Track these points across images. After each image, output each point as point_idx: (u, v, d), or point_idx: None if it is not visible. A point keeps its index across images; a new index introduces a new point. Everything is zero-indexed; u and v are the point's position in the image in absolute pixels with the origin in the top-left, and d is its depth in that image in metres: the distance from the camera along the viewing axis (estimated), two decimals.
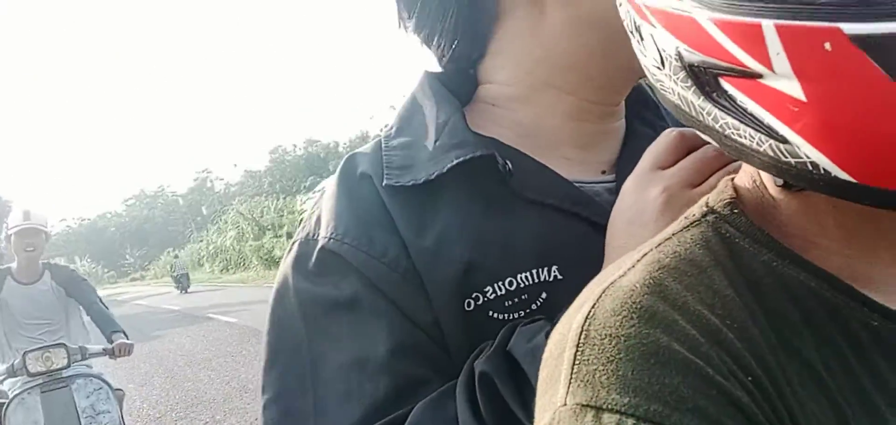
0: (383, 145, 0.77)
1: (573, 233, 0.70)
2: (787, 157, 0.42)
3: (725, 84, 0.43)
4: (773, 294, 0.46)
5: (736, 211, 0.49)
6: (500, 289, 0.68)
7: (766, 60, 0.40)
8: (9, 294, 4.05)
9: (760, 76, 0.41)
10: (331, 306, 0.70)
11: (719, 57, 0.42)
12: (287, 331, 0.73)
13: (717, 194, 0.52)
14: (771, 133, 0.42)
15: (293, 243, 0.77)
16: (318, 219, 0.75)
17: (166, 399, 7.36)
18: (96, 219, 75.29)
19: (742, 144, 0.44)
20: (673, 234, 0.50)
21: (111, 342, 4.01)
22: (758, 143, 0.43)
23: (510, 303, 0.68)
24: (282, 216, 27.09)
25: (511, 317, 0.68)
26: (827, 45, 0.37)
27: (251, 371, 8.07)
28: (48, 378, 3.67)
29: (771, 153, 0.42)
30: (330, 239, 0.72)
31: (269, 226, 27.70)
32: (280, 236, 26.71)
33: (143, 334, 12.21)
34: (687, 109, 0.47)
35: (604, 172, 0.77)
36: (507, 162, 0.70)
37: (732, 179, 0.53)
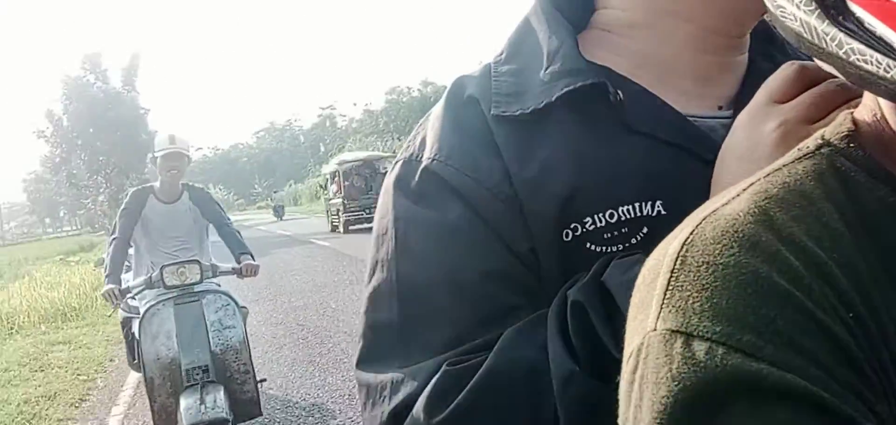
0: (492, 70, 0.76)
1: (682, 168, 0.67)
2: None
3: (853, 5, 0.41)
4: (889, 232, 0.43)
5: (853, 144, 0.47)
6: (600, 221, 0.67)
7: None
8: (151, 211, 4.39)
9: None
10: (427, 226, 0.71)
11: None
12: (381, 247, 0.75)
13: (834, 127, 0.49)
14: None
15: (396, 162, 0.77)
16: (423, 140, 0.75)
17: (263, 291, 10.99)
18: (229, 150, 79.38)
19: (868, 72, 0.41)
20: (784, 165, 0.47)
21: (239, 262, 4.27)
22: (886, 69, 0.40)
23: (610, 235, 0.67)
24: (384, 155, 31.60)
25: (609, 250, 0.66)
26: None
27: (325, 277, 12.27)
28: (181, 291, 3.96)
29: None
30: (434, 160, 0.72)
31: None
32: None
33: (260, 251, 15.74)
34: (809, 36, 0.44)
35: (721, 108, 0.74)
36: (619, 91, 0.68)
37: (852, 113, 0.50)
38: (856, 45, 0.41)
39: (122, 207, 4.44)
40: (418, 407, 0.67)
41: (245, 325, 4.15)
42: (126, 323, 5.19)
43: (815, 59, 0.46)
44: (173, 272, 3.94)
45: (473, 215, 0.69)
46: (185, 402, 3.61)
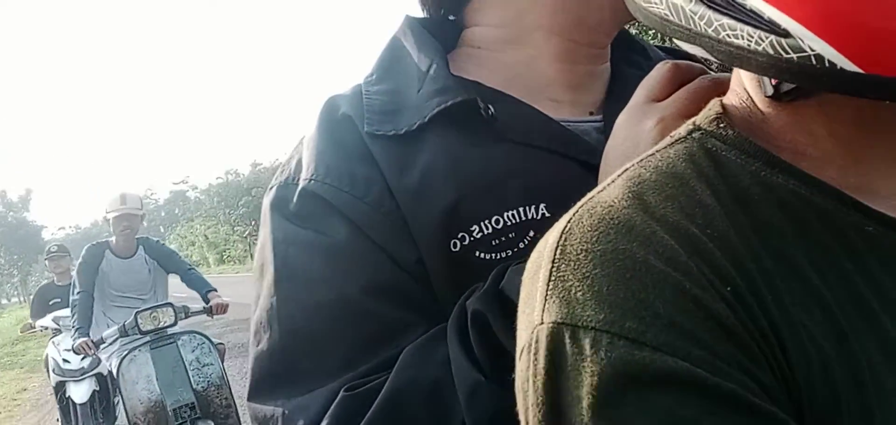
0: (364, 89, 0.75)
1: (561, 171, 0.68)
2: (788, 53, 0.39)
3: None
4: (762, 203, 0.44)
5: (722, 125, 0.47)
6: (487, 228, 0.66)
7: None
8: (107, 266, 4.42)
9: None
10: (309, 247, 0.69)
11: None
12: (263, 276, 0.72)
13: (704, 113, 0.50)
14: (772, 28, 0.39)
15: (271, 187, 0.75)
16: (299, 162, 0.73)
17: None
18: (90, 227, 75.75)
19: (738, 47, 0.41)
20: (657, 151, 0.48)
21: (208, 301, 4.34)
22: (756, 43, 0.40)
23: (497, 241, 0.66)
24: (199, 237, 39.63)
25: (498, 257, 0.66)
26: None
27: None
28: (155, 335, 3.97)
29: (771, 51, 0.40)
30: (311, 180, 0.70)
31: (192, 244, 40.40)
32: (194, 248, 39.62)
33: None
34: (676, 18, 0.45)
35: (592, 113, 0.76)
36: (489, 106, 0.69)
37: (721, 99, 0.51)
38: (725, 20, 0.41)
39: (80, 262, 4.42)
40: None
41: (222, 362, 4.21)
42: (59, 388, 5.10)
43: (680, 42, 0.46)
44: (147, 317, 3.95)
45: (356, 232, 0.67)
46: None
